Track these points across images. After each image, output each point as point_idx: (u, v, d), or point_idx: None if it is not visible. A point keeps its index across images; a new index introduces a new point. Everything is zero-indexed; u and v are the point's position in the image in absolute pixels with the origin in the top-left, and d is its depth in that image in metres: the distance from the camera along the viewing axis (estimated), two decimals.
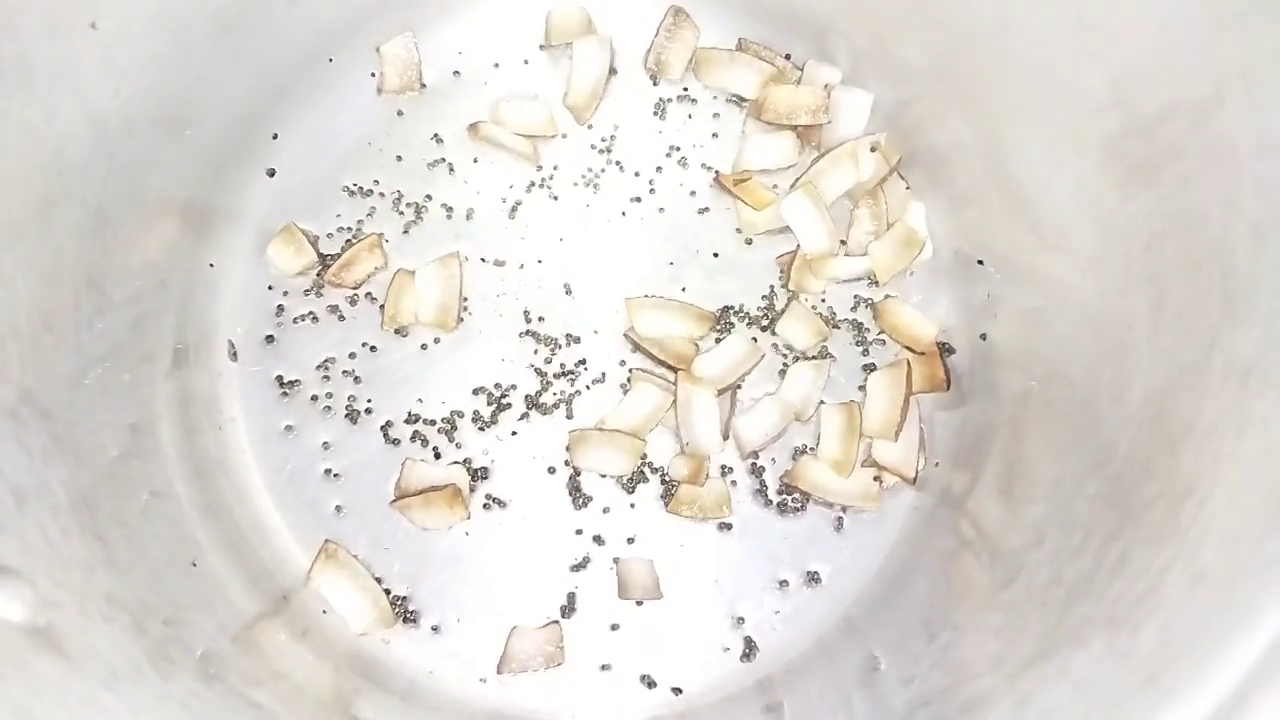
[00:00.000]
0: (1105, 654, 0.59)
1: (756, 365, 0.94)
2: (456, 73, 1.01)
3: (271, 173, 0.97)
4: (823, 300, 0.97)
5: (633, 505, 0.92)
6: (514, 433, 0.94)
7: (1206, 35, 0.65)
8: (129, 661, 0.62)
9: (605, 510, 0.92)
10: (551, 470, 0.93)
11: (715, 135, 1.00)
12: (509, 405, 0.94)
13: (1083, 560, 0.67)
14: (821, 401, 0.94)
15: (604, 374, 0.95)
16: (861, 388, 0.94)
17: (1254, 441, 0.58)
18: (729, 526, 0.92)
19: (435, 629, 0.90)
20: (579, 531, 0.92)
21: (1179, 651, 0.54)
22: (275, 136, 0.97)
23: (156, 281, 0.87)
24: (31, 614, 0.56)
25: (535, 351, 0.95)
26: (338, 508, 0.92)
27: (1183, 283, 0.68)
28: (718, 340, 0.95)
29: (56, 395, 0.71)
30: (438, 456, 0.93)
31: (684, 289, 0.97)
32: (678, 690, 0.89)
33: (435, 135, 1.00)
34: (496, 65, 1.01)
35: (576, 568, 0.91)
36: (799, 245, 0.96)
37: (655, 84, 1.02)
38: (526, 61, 1.02)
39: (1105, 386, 0.74)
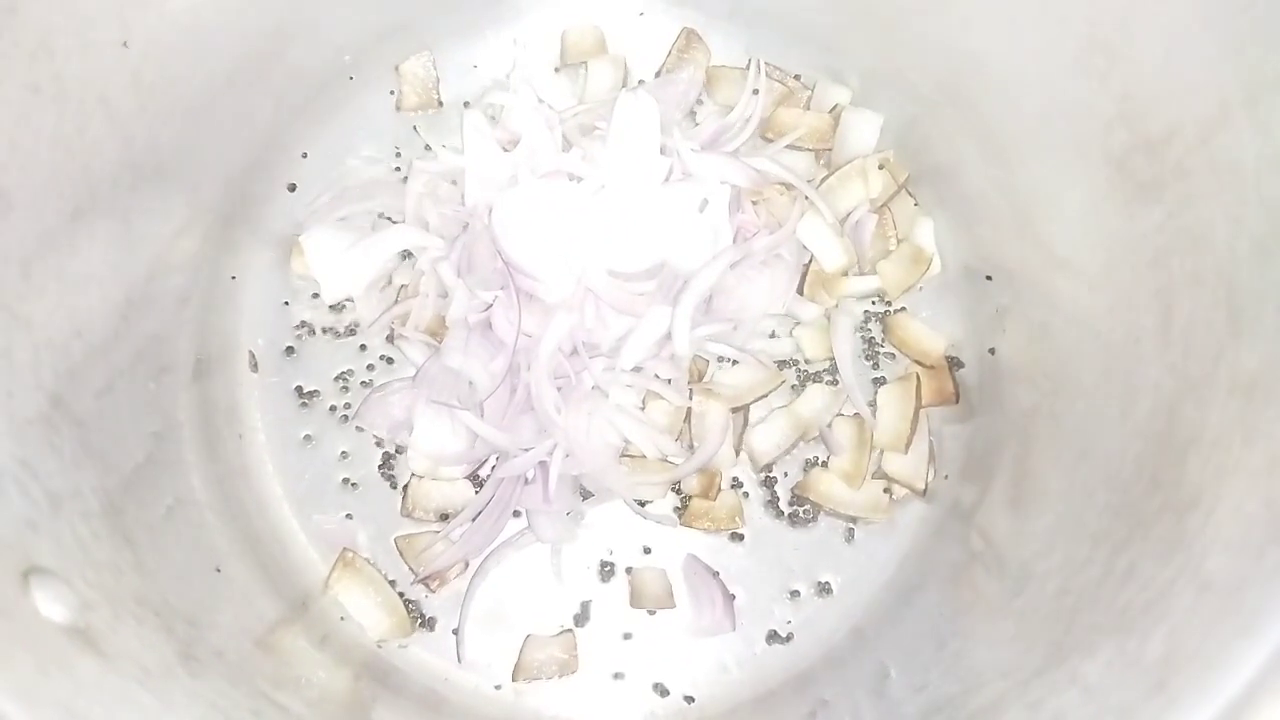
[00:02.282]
0: (1114, 661, 0.60)
1: (775, 390, 0.95)
2: (472, 91, 1.03)
3: (292, 187, 0.99)
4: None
5: (646, 517, 0.93)
6: None
7: (1211, 56, 0.67)
8: (160, 661, 0.63)
9: (620, 521, 0.94)
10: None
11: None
12: None
13: (1091, 570, 0.69)
14: (840, 414, 0.96)
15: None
16: (871, 402, 0.95)
17: (1259, 453, 0.59)
18: (741, 537, 0.93)
19: (452, 634, 0.91)
20: (594, 541, 0.93)
21: (1186, 658, 0.55)
22: (305, 155, 1.00)
23: (180, 293, 0.89)
24: (72, 614, 0.58)
25: None
26: (355, 516, 0.93)
27: (1189, 298, 0.69)
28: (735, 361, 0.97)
29: (86, 403, 0.72)
30: None
31: None
32: (690, 699, 0.90)
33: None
34: (512, 84, 1.03)
35: (591, 577, 0.93)
36: (812, 257, 0.98)
37: None
38: (534, 81, 1.03)
39: (1113, 400, 0.75)
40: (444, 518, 0.92)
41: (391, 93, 1.02)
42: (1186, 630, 0.57)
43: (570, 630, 0.91)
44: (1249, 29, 0.64)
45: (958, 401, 0.95)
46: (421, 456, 0.92)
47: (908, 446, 0.93)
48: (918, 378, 0.94)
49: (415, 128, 1.02)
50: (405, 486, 0.93)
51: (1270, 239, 0.63)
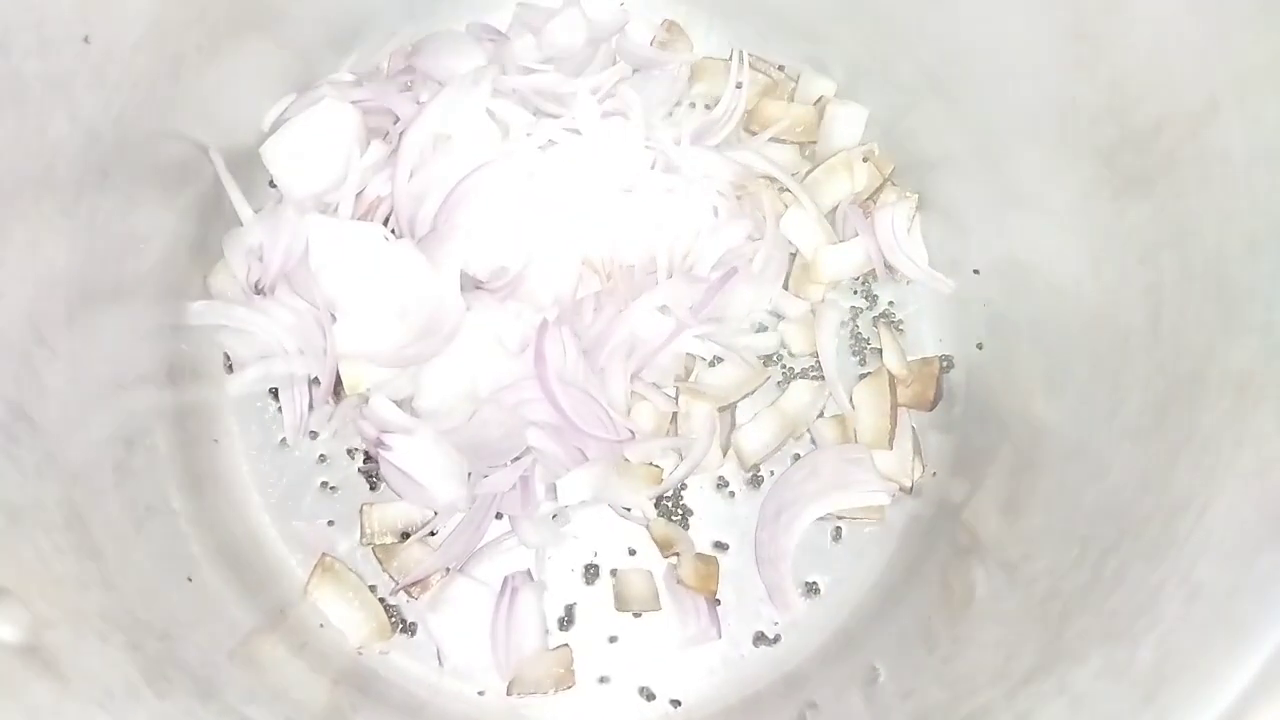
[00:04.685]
0: (1103, 670, 0.59)
1: (760, 387, 0.94)
2: None
3: (272, 183, 0.97)
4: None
5: (631, 519, 0.92)
6: None
7: (1200, 48, 0.66)
8: (124, 681, 0.61)
9: (604, 523, 0.92)
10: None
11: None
12: None
13: (1080, 573, 0.67)
14: (821, 413, 0.94)
15: None
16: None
17: (1250, 454, 0.58)
18: (725, 546, 0.92)
19: (434, 639, 0.89)
20: (578, 544, 0.92)
21: (1176, 668, 0.54)
22: None
23: (151, 295, 0.87)
24: (26, 635, 0.56)
25: None
26: (335, 520, 0.92)
27: (1179, 294, 0.68)
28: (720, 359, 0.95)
29: (49, 410, 0.70)
30: None
31: None
32: (676, 702, 0.89)
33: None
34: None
35: (575, 580, 0.91)
36: (797, 251, 0.96)
37: None
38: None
39: (1102, 398, 0.74)
40: (405, 536, 0.90)
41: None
42: (1177, 638, 0.56)
43: (566, 645, 0.89)
44: (1237, 19, 0.63)
45: (932, 408, 0.93)
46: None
47: (892, 441, 0.91)
48: (888, 372, 0.93)
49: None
50: (361, 525, 0.91)
51: (1260, 233, 0.62)
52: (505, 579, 0.89)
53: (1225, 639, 0.52)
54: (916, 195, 0.97)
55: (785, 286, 0.97)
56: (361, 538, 0.91)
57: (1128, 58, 0.71)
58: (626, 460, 0.90)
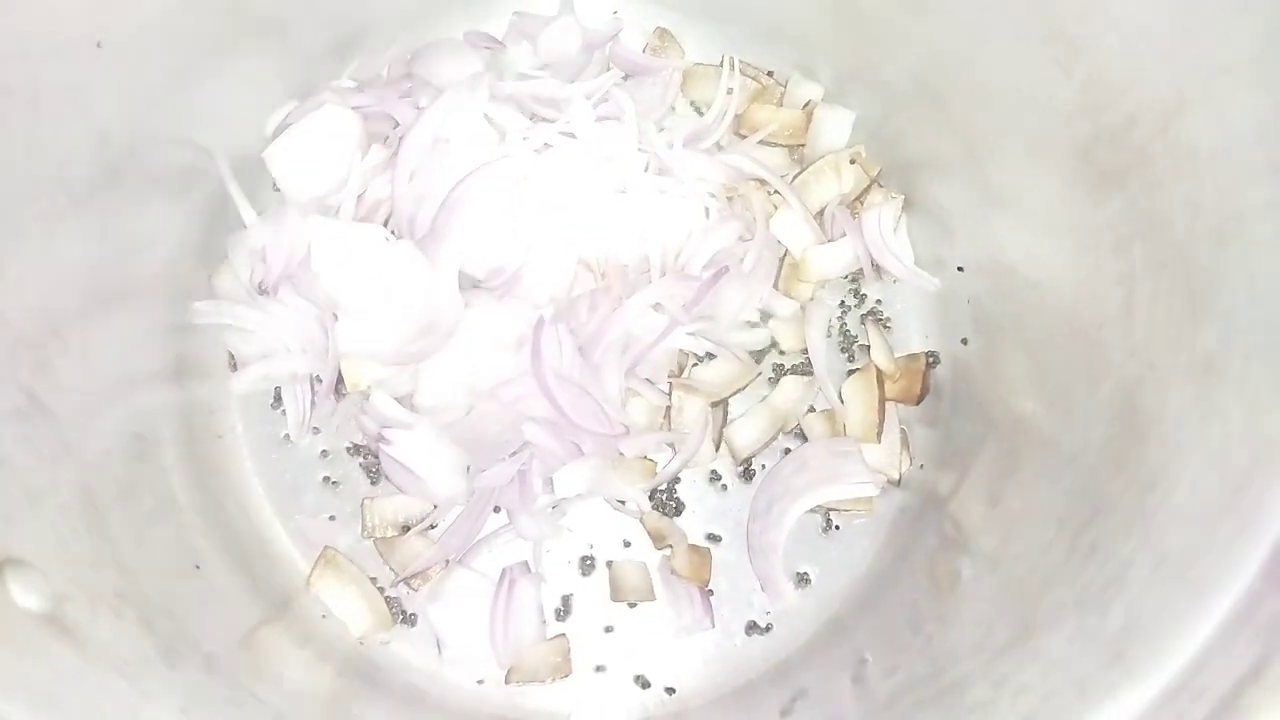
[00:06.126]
0: (1075, 635, 0.61)
1: (751, 383, 0.96)
2: None
3: (275, 187, 0.99)
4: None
5: (626, 512, 0.94)
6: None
7: (1169, 47, 0.68)
8: (139, 652, 0.63)
9: (600, 515, 0.94)
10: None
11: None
12: None
13: (1056, 550, 0.70)
14: (811, 408, 0.97)
15: None
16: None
17: (1214, 431, 0.60)
18: (718, 538, 0.95)
19: (434, 630, 0.91)
20: (574, 536, 0.94)
21: (1142, 629, 0.57)
22: None
23: (159, 293, 0.90)
24: (47, 604, 0.58)
25: None
26: (336, 514, 0.94)
27: (1149, 283, 0.70)
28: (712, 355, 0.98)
29: (63, 401, 0.73)
30: None
31: None
32: (671, 690, 0.91)
33: None
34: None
35: (571, 571, 0.93)
36: (786, 252, 0.99)
37: None
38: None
39: (1079, 385, 0.76)
40: (405, 529, 0.92)
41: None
42: (1143, 603, 0.58)
43: (563, 635, 0.91)
44: (1204, 20, 0.65)
45: (919, 402, 0.96)
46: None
47: (880, 435, 0.94)
48: (875, 368, 0.96)
49: None
50: (363, 520, 0.93)
51: (1226, 222, 0.64)
52: (503, 570, 0.91)
53: (1187, 600, 0.54)
54: (902, 196, 1.00)
55: (775, 285, 0.99)
56: (363, 531, 0.93)
57: (1103, 57, 0.74)
58: (621, 454, 0.93)
